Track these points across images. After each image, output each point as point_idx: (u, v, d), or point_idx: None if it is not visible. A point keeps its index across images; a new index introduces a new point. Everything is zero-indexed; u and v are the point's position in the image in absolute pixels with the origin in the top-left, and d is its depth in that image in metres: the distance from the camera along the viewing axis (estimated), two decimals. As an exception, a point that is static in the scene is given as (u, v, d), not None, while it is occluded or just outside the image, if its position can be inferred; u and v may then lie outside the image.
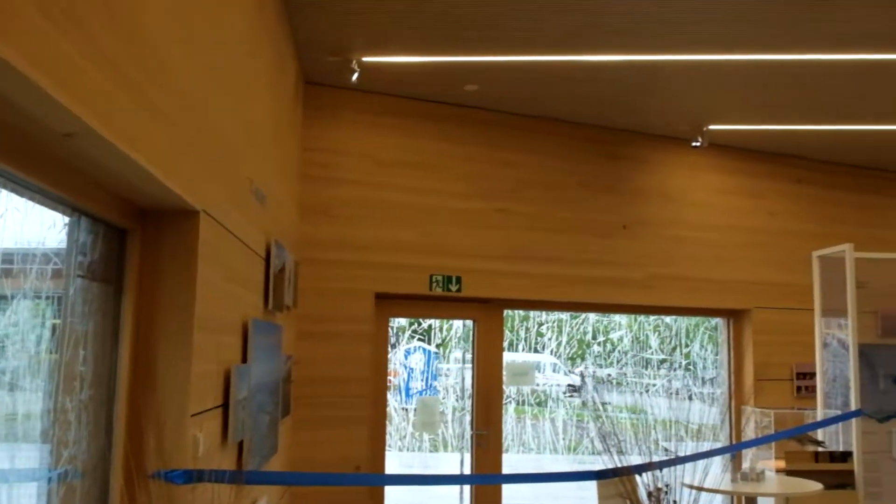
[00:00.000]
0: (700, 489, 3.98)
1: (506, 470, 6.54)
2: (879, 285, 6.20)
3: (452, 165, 6.51)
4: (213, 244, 2.86)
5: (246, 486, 3.22)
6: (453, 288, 6.31)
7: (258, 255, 3.97)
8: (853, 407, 5.64)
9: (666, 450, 4.39)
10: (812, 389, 7.56)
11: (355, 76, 5.52)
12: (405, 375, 7.13)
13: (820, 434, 5.83)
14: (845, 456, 5.55)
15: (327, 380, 5.85)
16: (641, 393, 7.33)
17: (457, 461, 6.78)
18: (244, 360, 3.49)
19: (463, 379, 6.86)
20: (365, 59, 5.49)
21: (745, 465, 4.61)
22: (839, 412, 5.79)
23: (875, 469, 5.93)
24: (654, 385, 7.51)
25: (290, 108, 5.18)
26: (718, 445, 6.55)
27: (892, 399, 6.06)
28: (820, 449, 5.61)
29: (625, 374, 7.45)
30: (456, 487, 6.70)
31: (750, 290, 7.62)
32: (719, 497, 7.51)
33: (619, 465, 4.01)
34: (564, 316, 7.23)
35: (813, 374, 7.62)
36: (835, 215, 8.18)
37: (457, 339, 6.79)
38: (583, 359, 7.39)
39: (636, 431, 4.37)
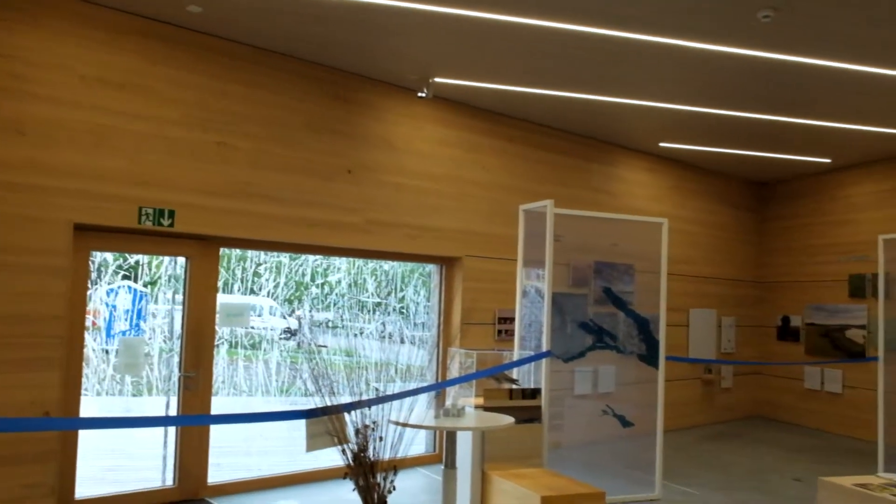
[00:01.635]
0: (405, 425, 4.13)
1: (215, 412, 6.35)
2: (573, 240, 6.83)
3: (169, 91, 6.05)
4: None
5: None
6: (165, 222, 5.92)
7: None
8: (545, 349, 6.19)
9: (377, 390, 4.51)
10: (511, 333, 8.20)
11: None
12: (107, 315, 6.60)
13: (515, 373, 6.34)
14: (535, 393, 6.09)
15: (11, 318, 5.24)
16: (356, 335, 7.46)
17: (162, 404, 6.46)
18: None
19: (172, 319, 6.50)
20: (70, -41, 4.87)
21: (448, 402, 4.88)
22: (532, 353, 6.33)
23: (559, 404, 6.60)
24: (368, 328, 7.68)
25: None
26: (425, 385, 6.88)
27: (577, 342, 6.76)
28: (514, 387, 6.10)
29: (342, 318, 7.53)
30: (160, 432, 6.39)
31: (462, 239, 8.04)
32: (423, 432, 7.94)
33: (329, 405, 4.04)
34: (284, 257, 7.11)
35: (513, 319, 8.25)
36: (541, 174, 8.86)
37: (168, 278, 6.41)
38: (300, 301, 7.33)
39: (349, 373, 4.43)
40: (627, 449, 7.01)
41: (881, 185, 10.32)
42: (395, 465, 3.97)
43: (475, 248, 8.13)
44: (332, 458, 4.79)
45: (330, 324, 7.62)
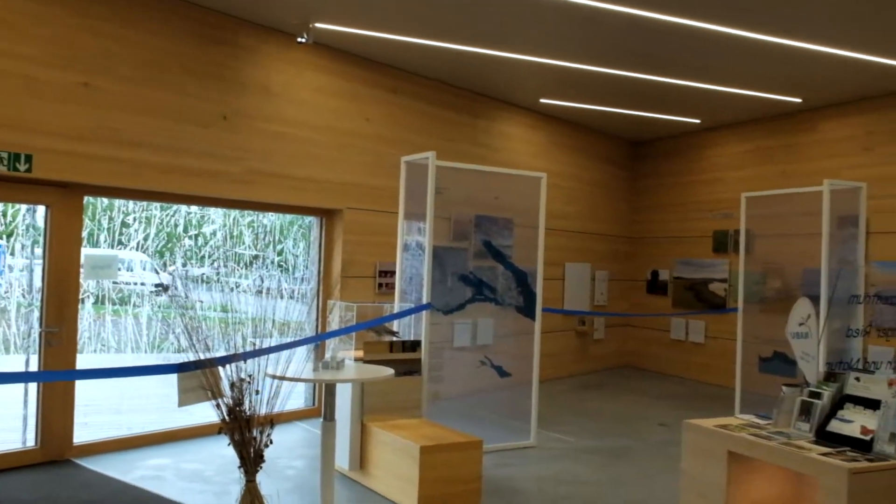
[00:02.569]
0: (282, 378, 4.05)
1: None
2: (454, 193, 6.84)
3: (26, 24, 5.59)
4: None
5: None
6: (22, 167, 5.51)
7: None
8: (425, 302, 6.21)
9: (253, 344, 4.39)
10: (392, 286, 8.18)
11: None
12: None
13: (395, 325, 6.33)
14: (415, 345, 6.11)
15: None
16: (232, 290, 7.25)
17: (21, 362, 6.08)
18: None
19: (32, 273, 6.10)
20: None
21: (328, 355, 4.82)
22: (412, 306, 6.33)
23: (439, 356, 6.65)
24: (245, 283, 7.47)
25: None
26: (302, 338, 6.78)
27: (457, 295, 6.81)
28: (395, 339, 6.10)
29: (217, 272, 7.28)
30: (19, 390, 6.02)
31: (343, 191, 7.90)
32: (302, 386, 7.85)
33: (203, 359, 3.91)
34: (155, 207, 6.79)
35: (393, 273, 8.24)
36: (423, 127, 8.80)
37: (26, 228, 6.00)
38: (172, 253, 7.04)
39: (224, 329, 4.29)
40: (504, 399, 7.18)
41: (746, 145, 10.84)
42: (272, 419, 3.89)
43: (356, 201, 8.02)
44: (206, 414, 4.65)
45: (205, 278, 7.37)
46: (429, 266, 6.24)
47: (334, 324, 6.05)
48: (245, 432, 3.82)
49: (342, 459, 5.67)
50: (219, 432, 3.89)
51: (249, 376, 3.87)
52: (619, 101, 9.77)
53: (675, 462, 6.54)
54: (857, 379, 3.21)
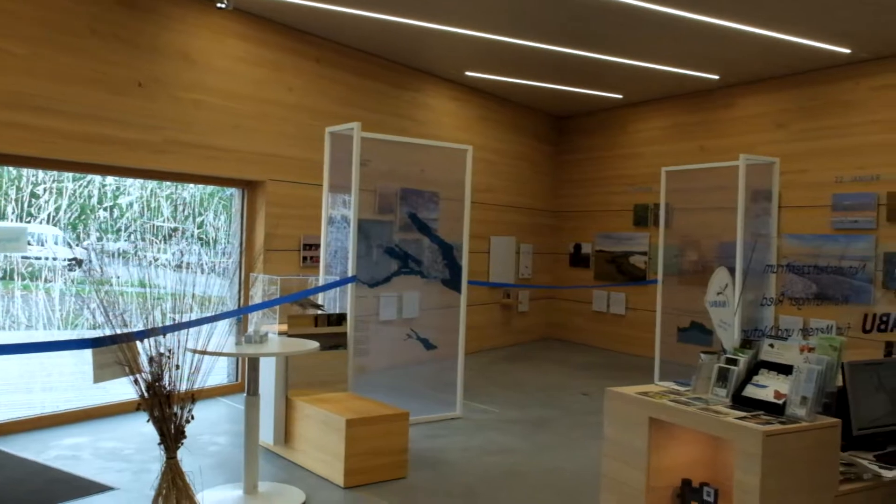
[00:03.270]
0: (203, 353, 3.95)
1: (-13, 347, 5.77)
2: (379, 165, 6.77)
3: (-80, -18, 5.24)
4: None
5: None
6: (-81, 134, 5.20)
7: None
8: (350, 275, 6.15)
9: (173, 319, 4.26)
10: (316, 259, 8.08)
11: None
12: None
13: (320, 299, 6.25)
14: (340, 319, 6.05)
15: None
16: (150, 264, 7.03)
17: (-77, 340, 5.78)
18: None
19: (-67, 245, 5.79)
20: None
21: (251, 329, 4.73)
22: (336, 279, 6.27)
23: (364, 330, 6.61)
24: (164, 255, 7.26)
25: None
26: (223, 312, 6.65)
27: (383, 268, 6.77)
28: (319, 312, 6.03)
29: (135, 246, 7.05)
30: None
31: (265, 162, 7.74)
32: (224, 361, 7.71)
33: (119, 333, 3.77)
34: (66, 177, 6.52)
35: (318, 246, 8.15)
36: (347, 98, 8.67)
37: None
38: (86, 226, 6.77)
39: (143, 304, 4.15)
40: (430, 372, 7.20)
41: (665, 121, 11.07)
42: (194, 395, 3.79)
43: (279, 172, 7.86)
44: (125, 391, 4.52)
45: (121, 252, 7.12)
46: (354, 239, 6.18)
47: (257, 297, 5.94)
48: (165, 408, 3.72)
49: (266, 434, 5.60)
50: (137, 409, 3.78)
51: (169, 351, 3.76)
52: (544, 75, 9.83)
53: (596, 430, 6.70)
54: (772, 345, 3.32)
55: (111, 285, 4.12)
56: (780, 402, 3.10)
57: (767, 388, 3.19)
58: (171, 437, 3.76)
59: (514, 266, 11.80)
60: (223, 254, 7.81)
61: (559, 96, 11.09)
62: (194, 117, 7.03)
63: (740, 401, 3.24)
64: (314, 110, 8.23)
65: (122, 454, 5.50)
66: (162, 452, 3.78)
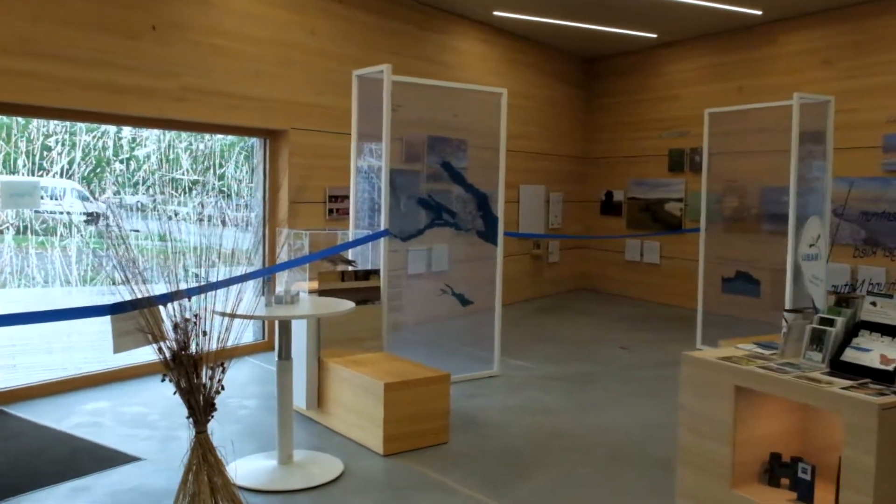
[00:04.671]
0: (233, 316, 3.62)
1: (2, 309, 5.48)
2: (406, 112, 6.34)
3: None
4: None
5: None
6: (-80, 84, 4.84)
7: None
8: (383, 228, 5.79)
9: (197, 276, 3.92)
10: (343, 212, 7.74)
11: None
12: None
13: (350, 254, 5.91)
14: (368, 274, 5.71)
15: None
16: (170, 218, 6.70)
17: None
18: None
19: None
20: None
21: (280, 288, 4.40)
22: (368, 233, 5.91)
23: (396, 285, 6.28)
24: (185, 209, 6.93)
25: None
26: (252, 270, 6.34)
27: (412, 220, 6.39)
28: (350, 268, 5.68)
29: (154, 199, 6.71)
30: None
31: (288, 111, 7.34)
32: (253, 324, 7.41)
33: (140, 297, 3.44)
34: (80, 128, 6.15)
35: (345, 198, 7.79)
36: (372, 41, 8.20)
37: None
38: (102, 179, 6.43)
39: (163, 260, 3.81)
40: (466, 327, 6.89)
41: (702, 61, 10.50)
42: (223, 362, 3.47)
43: (303, 121, 7.46)
44: (148, 351, 4.22)
45: (140, 206, 6.79)
46: (386, 190, 5.79)
47: (284, 255, 5.59)
48: (193, 378, 3.40)
49: (298, 398, 5.30)
50: (163, 380, 3.46)
51: (195, 315, 3.43)
52: (574, 13, 9.27)
53: (639, 386, 6.38)
54: (874, 304, 2.93)
55: (129, 241, 3.77)
56: (890, 368, 2.72)
57: (871, 351, 2.82)
58: (200, 409, 3.44)
59: (543, 215, 11.39)
60: (245, 207, 7.46)
61: (590, 36, 10.52)
62: (213, 63, 6.62)
63: (839, 366, 2.87)
64: (337, 54, 7.78)
65: (148, 420, 5.24)
66: (191, 426, 3.48)
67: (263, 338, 7.48)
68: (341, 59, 7.72)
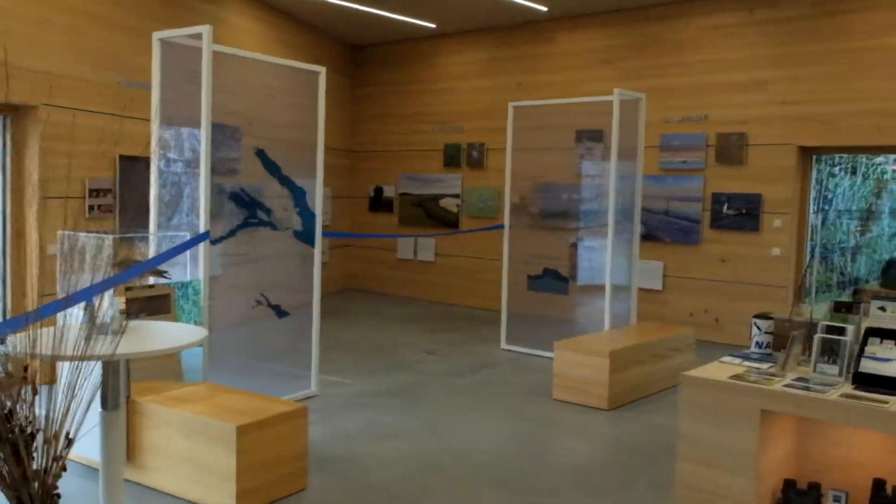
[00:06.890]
0: (73, 358, 2.51)
1: None
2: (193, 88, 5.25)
3: None
4: None
5: None
6: None
7: None
8: (203, 229, 4.71)
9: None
10: (104, 209, 6.42)
11: None
12: None
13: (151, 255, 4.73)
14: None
15: None
16: None
17: None
18: None
19: None
20: None
21: (101, 314, 3.25)
22: (187, 236, 4.78)
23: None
24: None
25: None
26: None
27: (223, 219, 5.34)
28: (163, 280, 4.53)
29: None
30: None
31: (39, 81, 5.83)
32: None
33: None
34: None
35: (107, 192, 6.47)
36: (143, 8, 6.87)
37: None
38: None
39: None
40: (274, 341, 5.96)
41: (482, 54, 10.34)
42: (69, 434, 2.37)
43: (58, 96, 5.98)
44: None
45: None
46: (207, 182, 4.71)
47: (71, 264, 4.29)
48: (26, 463, 2.27)
49: (92, 450, 4.09)
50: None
51: (23, 366, 2.30)
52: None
53: (472, 396, 5.94)
54: (882, 309, 2.69)
55: None
56: (923, 381, 2.47)
57: (892, 361, 2.55)
58: (39, 505, 2.32)
59: (315, 212, 10.54)
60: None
61: (361, 21, 9.83)
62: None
63: (863, 379, 2.57)
64: (106, 19, 6.38)
65: None
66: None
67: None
68: (108, 26, 6.34)
